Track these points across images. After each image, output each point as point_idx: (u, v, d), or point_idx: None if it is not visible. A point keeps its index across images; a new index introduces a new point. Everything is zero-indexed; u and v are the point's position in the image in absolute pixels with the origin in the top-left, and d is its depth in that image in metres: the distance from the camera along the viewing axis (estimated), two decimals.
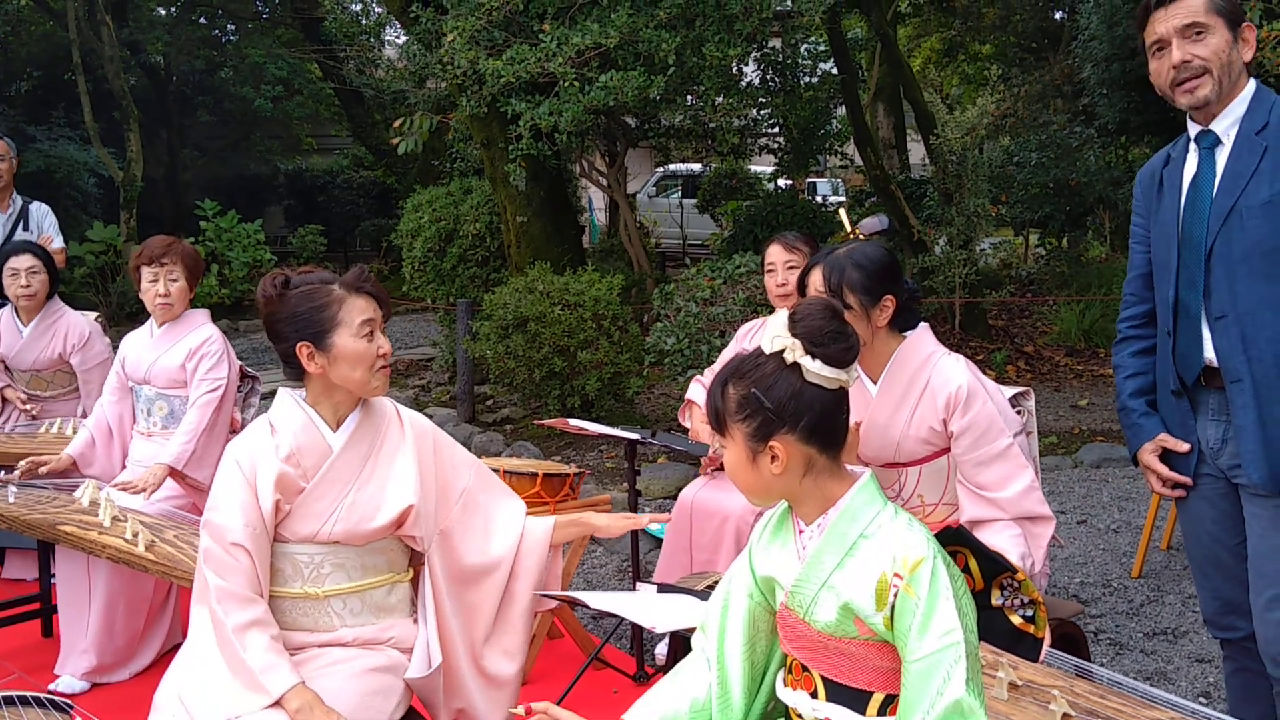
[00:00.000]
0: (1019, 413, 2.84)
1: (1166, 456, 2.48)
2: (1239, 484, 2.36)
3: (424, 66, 7.98)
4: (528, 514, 3.60)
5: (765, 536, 1.85)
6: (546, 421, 4.15)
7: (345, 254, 18.66)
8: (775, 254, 3.69)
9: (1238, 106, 2.31)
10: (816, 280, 2.66)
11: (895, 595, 1.61)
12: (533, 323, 6.87)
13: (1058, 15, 16.72)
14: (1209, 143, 2.34)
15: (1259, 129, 2.27)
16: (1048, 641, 2.11)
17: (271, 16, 18.91)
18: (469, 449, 7.00)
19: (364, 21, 12.97)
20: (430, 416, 7.90)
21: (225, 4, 18.31)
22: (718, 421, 1.76)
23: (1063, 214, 12.04)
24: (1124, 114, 11.60)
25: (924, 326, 2.77)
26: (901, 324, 2.73)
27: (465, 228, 9.03)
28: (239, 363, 4.06)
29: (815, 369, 1.68)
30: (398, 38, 15.05)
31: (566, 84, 6.75)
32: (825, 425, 1.71)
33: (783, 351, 1.71)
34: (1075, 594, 4.37)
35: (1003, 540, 2.49)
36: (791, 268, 3.64)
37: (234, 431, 3.90)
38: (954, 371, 2.64)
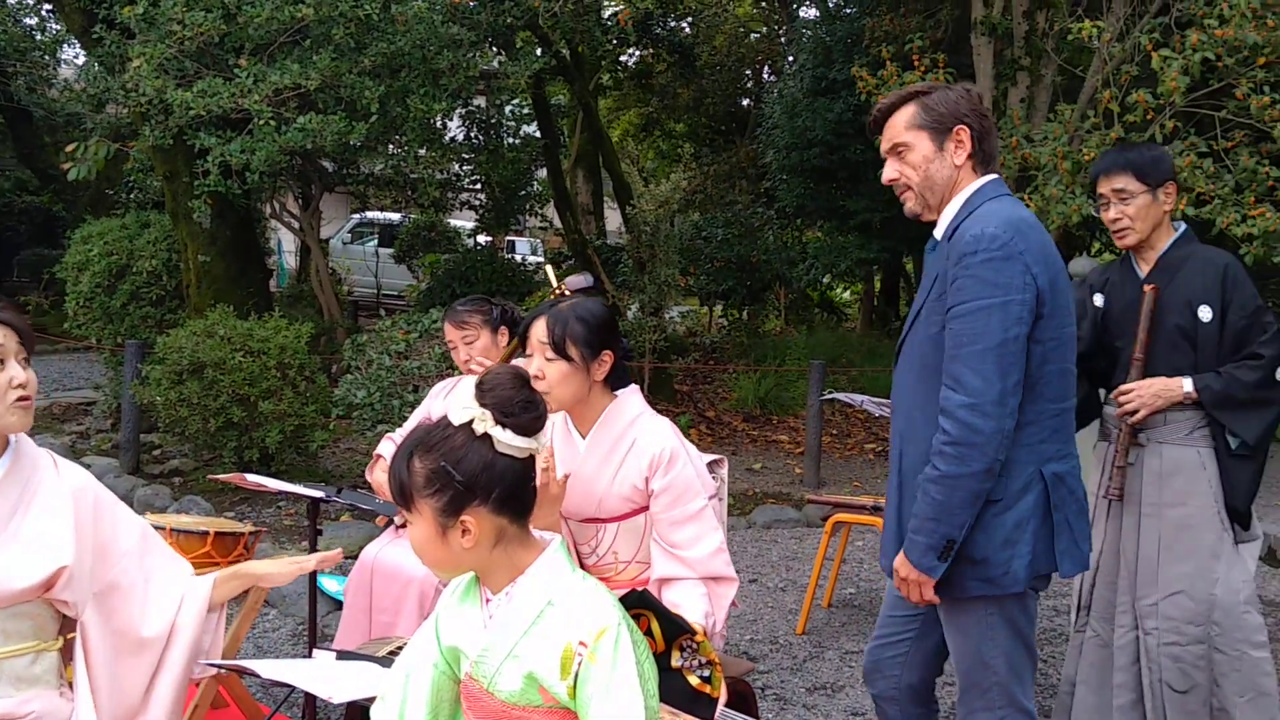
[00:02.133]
0: (714, 479, 2.96)
1: None
2: None
3: (105, 90, 7.44)
4: (196, 575, 3.39)
5: (452, 604, 1.82)
6: (221, 476, 3.89)
7: (0, 284, 16.95)
8: (450, 333, 3.63)
9: (950, 210, 2.45)
10: (540, 332, 2.64)
11: (579, 664, 1.62)
12: (211, 369, 6.48)
13: (744, 102, 17.94)
14: (931, 247, 2.53)
15: (950, 235, 2.40)
16: (723, 700, 2.20)
17: None
18: (131, 503, 6.54)
19: (39, 37, 11.96)
20: (88, 466, 7.27)
21: None
22: (403, 496, 1.70)
23: (744, 288, 12.80)
24: (801, 199, 12.57)
25: (634, 387, 2.84)
26: (614, 381, 2.78)
27: (140, 264, 8.44)
28: None
29: (507, 439, 1.68)
30: (76, 57, 13.98)
31: (261, 122, 6.49)
32: (516, 495, 1.71)
33: (471, 422, 1.69)
34: (745, 650, 4.58)
35: (690, 599, 2.58)
36: (469, 341, 3.60)
37: None
38: (660, 433, 2.72)
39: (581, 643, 1.62)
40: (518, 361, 2.74)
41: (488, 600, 1.76)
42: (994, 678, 2.40)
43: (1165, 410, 3.04)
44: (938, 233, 2.46)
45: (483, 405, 1.69)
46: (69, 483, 2.27)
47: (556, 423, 2.83)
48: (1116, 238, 3.14)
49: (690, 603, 2.56)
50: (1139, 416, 3.04)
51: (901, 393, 2.47)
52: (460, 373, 4.90)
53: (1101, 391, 3.30)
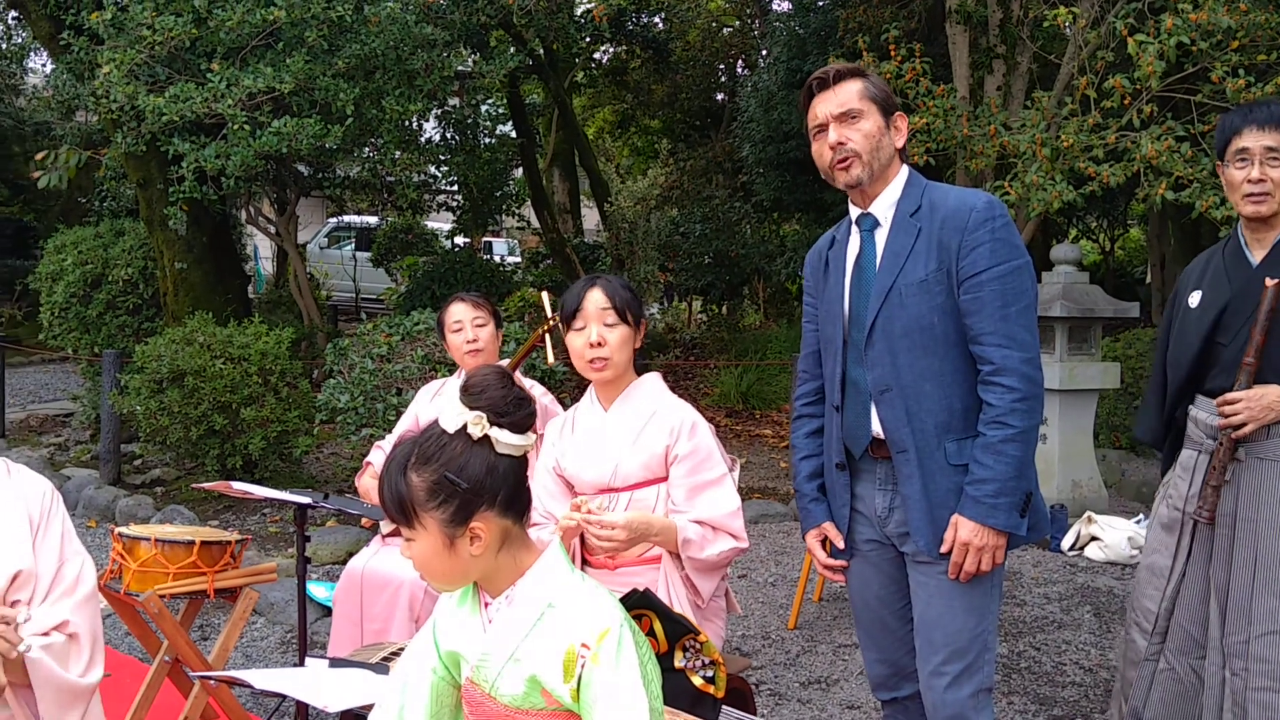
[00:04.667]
0: None
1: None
2: (905, 551, 2.51)
3: (74, 98, 7.36)
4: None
5: (450, 608, 1.79)
6: (207, 485, 3.85)
7: None
8: (462, 312, 3.68)
9: (892, 190, 2.48)
10: (599, 299, 2.73)
11: (582, 666, 1.60)
12: (191, 376, 6.41)
13: (719, 97, 17.92)
14: (869, 225, 2.51)
15: (913, 211, 2.44)
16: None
17: None
18: (114, 514, 6.48)
19: (3, 45, 11.81)
20: (68, 478, 7.22)
21: None
22: (404, 513, 1.66)
23: (723, 283, 12.80)
24: (778, 192, 12.56)
25: (656, 374, 2.90)
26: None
27: (115, 272, 8.37)
28: None
29: (505, 439, 1.66)
30: (44, 65, 13.82)
31: (235, 127, 6.42)
32: (518, 494, 1.69)
33: (465, 427, 1.66)
34: (738, 647, 4.57)
35: (687, 526, 2.63)
36: (479, 324, 3.65)
37: None
38: (682, 406, 2.80)
39: (584, 644, 1.60)
40: (570, 336, 2.78)
41: (487, 604, 1.73)
42: (981, 645, 2.43)
43: (1273, 423, 2.63)
44: (878, 210, 2.49)
45: (475, 408, 1.66)
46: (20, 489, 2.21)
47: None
48: (1248, 203, 2.66)
49: (684, 525, 2.63)
50: (1245, 430, 2.62)
51: (898, 371, 2.41)
52: (445, 373, 4.88)
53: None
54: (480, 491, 1.64)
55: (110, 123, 7.19)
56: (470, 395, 1.67)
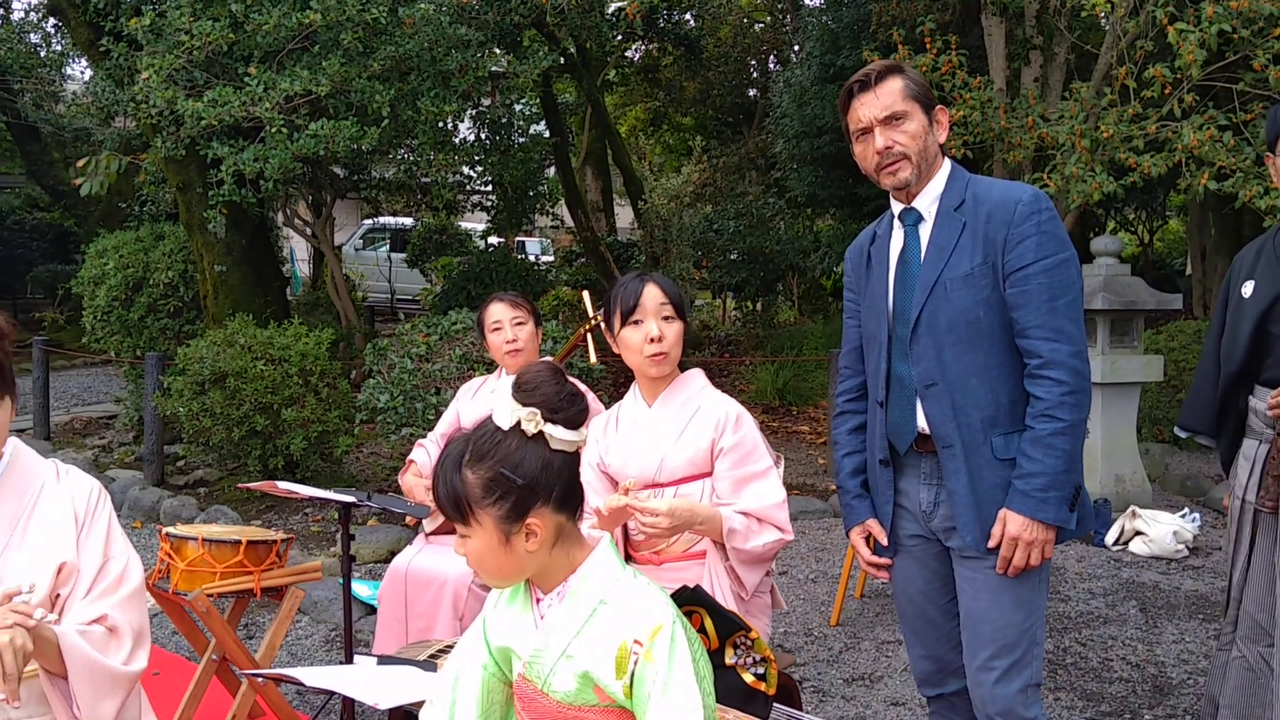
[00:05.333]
0: None
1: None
2: (951, 546, 2.49)
3: (114, 104, 7.44)
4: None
5: (501, 605, 1.80)
6: (252, 485, 3.88)
7: (15, 301, 17.00)
8: (501, 312, 3.68)
9: (935, 185, 2.47)
10: (656, 295, 2.75)
11: (635, 663, 1.59)
12: (232, 378, 6.48)
13: (751, 93, 17.88)
14: (912, 219, 2.49)
15: (957, 205, 2.43)
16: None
17: None
18: (159, 514, 6.55)
19: (43, 53, 11.97)
20: (113, 480, 7.31)
21: None
22: (459, 510, 1.66)
23: (757, 279, 12.76)
24: (811, 188, 12.52)
25: (698, 370, 2.91)
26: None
27: (156, 276, 8.46)
28: None
29: (559, 435, 1.66)
30: (83, 72, 13.99)
31: (274, 130, 6.48)
32: (572, 490, 1.69)
33: (520, 424, 1.67)
34: (780, 644, 4.55)
35: (733, 516, 2.62)
36: (519, 323, 3.66)
37: None
38: (726, 400, 2.81)
39: (637, 641, 1.60)
40: (627, 332, 2.76)
41: (538, 600, 1.73)
42: (1030, 639, 2.41)
43: None
44: (921, 204, 2.47)
45: (528, 405, 1.66)
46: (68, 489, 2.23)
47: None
48: None
49: (729, 516, 2.61)
50: None
51: (944, 366, 2.40)
52: (483, 372, 4.90)
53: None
54: (536, 488, 1.64)
55: (149, 128, 7.27)
56: (523, 392, 1.68)
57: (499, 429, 1.67)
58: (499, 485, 1.63)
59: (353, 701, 3.14)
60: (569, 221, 13.83)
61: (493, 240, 13.14)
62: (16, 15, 12.25)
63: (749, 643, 2.04)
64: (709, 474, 2.73)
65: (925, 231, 2.47)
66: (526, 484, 1.63)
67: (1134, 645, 4.41)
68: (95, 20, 7.81)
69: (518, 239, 17.39)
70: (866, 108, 2.44)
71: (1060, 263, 2.33)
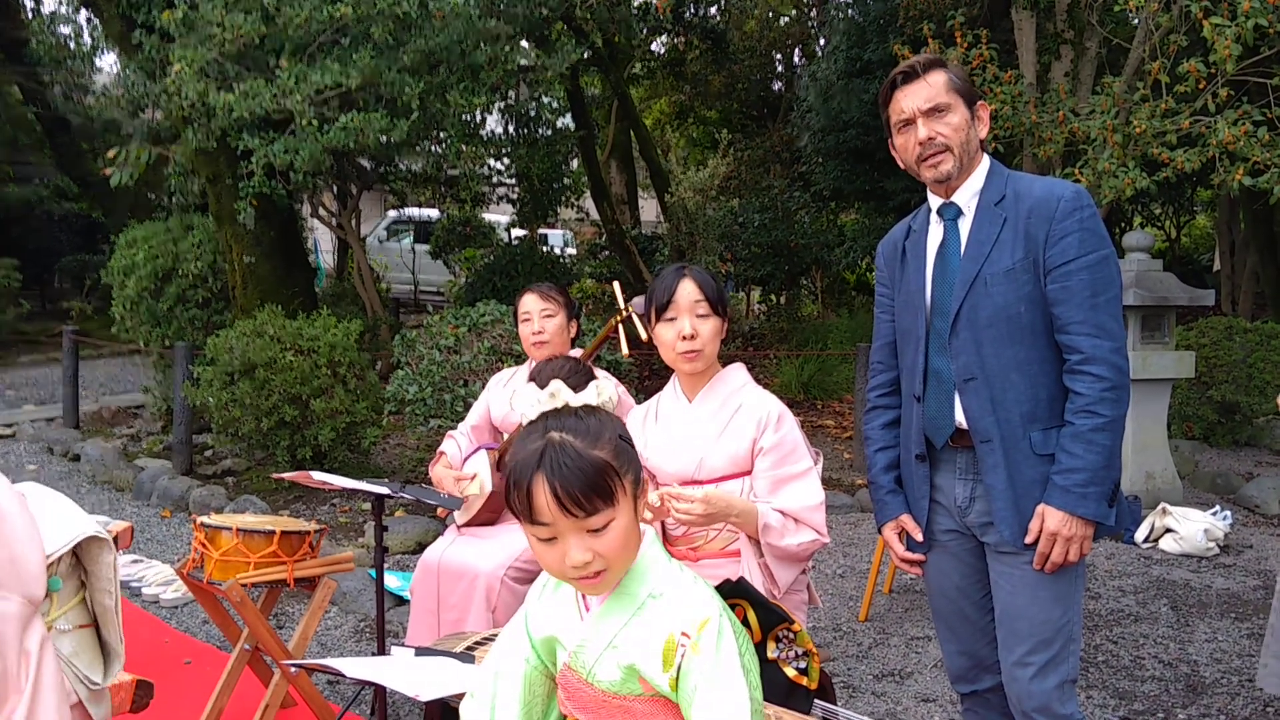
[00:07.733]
0: None
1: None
2: (986, 542, 2.49)
3: (144, 96, 7.49)
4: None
5: (546, 595, 1.80)
6: (286, 475, 3.89)
7: (43, 291, 17.14)
8: (531, 303, 3.69)
9: (975, 180, 2.46)
10: (691, 291, 2.72)
11: (682, 655, 1.59)
12: (262, 369, 6.52)
13: (776, 87, 17.82)
14: (952, 214, 2.48)
15: (997, 201, 2.42)
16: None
17: None
18: (188, 504, 6.60)
19: (74, 45, 12.06)
20: (142, 469, 7.36)
21: None
22: (606, 491, 1.56)
23: (782, 273, 12.72)
24: (837, 181, 12.48)
25: (740, 365, 2.89)
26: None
27: (185, 266, 8.51)
28: None
29: (586, 399, 1.69)
30: (113, 64, 14.08)
31: (304, 122, 6.51)
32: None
33: (554, 399, 1.68)
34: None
35: (769, 513, 2.61)
36: (548, 315, 3.66)
37: None
38: (768, 398, 2.78)
39: (684, 634, 1.60)
40: (661, 327, 2.75)
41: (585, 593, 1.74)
42: (1067, 635, 2.41)
43: None
44: (960, 199, 2.47)
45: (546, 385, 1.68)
46: None
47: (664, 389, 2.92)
48: None
49: (766, 512, 2.60)
50: None
51: (983, 360, 2.39)
52: (512, 363, 4.91)
53: None
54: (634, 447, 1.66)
55: (181, 119, 7.31)
56: (540, 379, 1.68)
57: (576, 410, 1.66)
58: (624, 451, 1.63)
59: (384, 692, 3.16)
60: (594, 214, 13.82)
61: (517, 232, 13.16)
62: (48, 7, 12.34)
63: (792, 635, 2.04)
64: (748, 472, 2.73)
65: (965, 226, 2.46)
66: (632, 443, 1.65)
67: (1166, 644, 4.38)
68: (128, 13, 7.86)
69: (540, 231, 17.43)
70: (910, 99, 2.44)
71: (1101, 259, 2.33)
